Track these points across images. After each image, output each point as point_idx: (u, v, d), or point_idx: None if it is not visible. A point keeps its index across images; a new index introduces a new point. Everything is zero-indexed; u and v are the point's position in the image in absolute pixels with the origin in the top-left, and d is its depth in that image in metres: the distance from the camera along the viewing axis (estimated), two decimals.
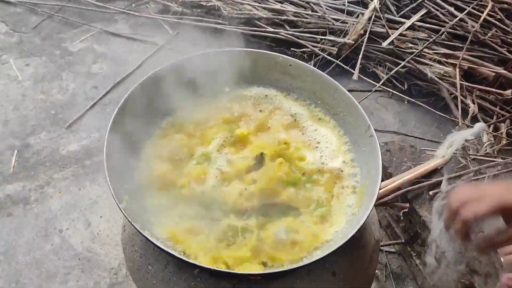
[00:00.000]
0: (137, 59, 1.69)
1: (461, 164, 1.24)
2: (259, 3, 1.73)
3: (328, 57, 1.60)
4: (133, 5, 1.86)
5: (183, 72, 0.84)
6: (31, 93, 1.58)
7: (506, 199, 0.68)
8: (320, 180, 0.78)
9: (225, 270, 0.66)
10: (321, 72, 0.85)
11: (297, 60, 0.87)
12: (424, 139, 1.48)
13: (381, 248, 1.26)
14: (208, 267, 0.65)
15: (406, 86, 1.58)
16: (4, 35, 1.75)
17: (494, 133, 1.40)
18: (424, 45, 1.51)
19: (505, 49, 1.49)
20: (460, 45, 1.51)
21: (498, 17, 1.52)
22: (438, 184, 1.14)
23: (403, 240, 1.22)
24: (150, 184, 0.76)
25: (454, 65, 1.47)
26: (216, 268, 0.65)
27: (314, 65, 1.60)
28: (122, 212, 0.65)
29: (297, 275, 0.74)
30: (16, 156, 1.42)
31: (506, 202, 0.68)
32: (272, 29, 1.67)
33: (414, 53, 1.51)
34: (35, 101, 1.56)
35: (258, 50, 0.88)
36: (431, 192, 1.13)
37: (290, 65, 0.87)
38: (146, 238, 0.63)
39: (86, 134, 1.48)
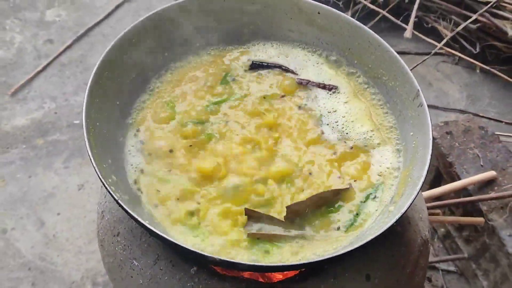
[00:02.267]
0: (107, 4, 1.82)
1: None
2: None
3: (371, 6, 1.72)
4: None
5: (176, 22, 0.95)
6: None
7: None
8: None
9: (248, 263, 0.78)
10: (360, 24, 0.93)
11: (328, 7, 0.96)
12: (501, 121, 1.58)
13: (437, 265, 1.38)
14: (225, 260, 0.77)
15: (478, 49, 1.68)
16: None
17: None
18: None
19: None
20: None
21: None
22: None
23: (466, 255, 1.33)
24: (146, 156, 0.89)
25: None
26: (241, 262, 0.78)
27: (352, 16, 1.71)
28: (110, 193, 0.76)
29: (321, 278, 0.86)
30: None
31: None
32: None
33: (491, 3, 1.61)
34: None
35: None
36: None
37: (318, 12, 0.96)
38: (145, 226, 0.75)
39: (38, 104, 1.61)
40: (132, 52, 0.93)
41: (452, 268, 1.39)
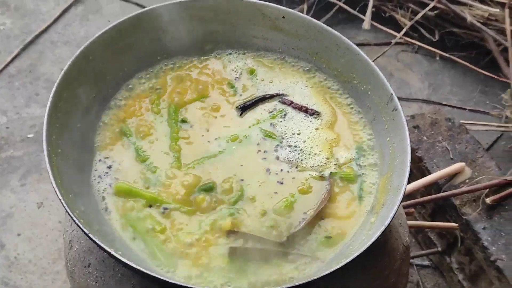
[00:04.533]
0: (53, 9, 1.78)
1: None
2: None
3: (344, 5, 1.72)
4: None
5: (127, 34, 0.94)
6: None
7: None
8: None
9: None
10: (326, 26, 0.93)
11: (293, 11, 0.95)
12: (465, 109, 1.60)
13: (411, 261, 1.39)
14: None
15: (437, 36, 1.69)
16: None
17: None
18: None
19: None
20: None
21: None
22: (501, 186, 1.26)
23: (439, 249, 1.35)
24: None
25: (502, 5, 1.59)
26: None
27: (309, 10, 1.71)
28: (80, 227, 0.74)
29: None
30: None
31: None
32: None
33: None
34: None
35: None
36: (488, 200, 1.24)
37: (283, 17, 0.95)
38: (113, 255, 0.73)
39: None
40: (88, 69, 0.91)
41: (426, 262, 1.41)
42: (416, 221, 1.39)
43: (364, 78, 0.92)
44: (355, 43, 0.93)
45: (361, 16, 1.70)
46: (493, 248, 1.21)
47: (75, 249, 0.89)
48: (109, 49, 0.92)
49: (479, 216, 1.25)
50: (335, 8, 1.74)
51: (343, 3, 1.75)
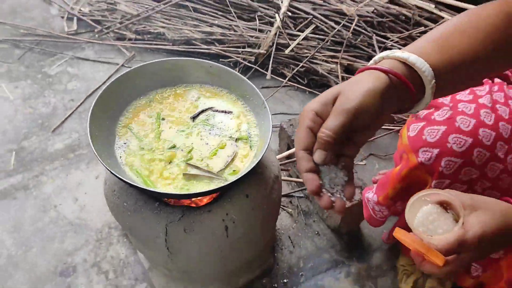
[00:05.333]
0: (103, 77, 1.84)
1: None
2: (194, 27, 1.92)
3: (248, 64, 1.80)
4: (96, 35, 2.00)
5: (130, 80, 0.99)
6: (21, 108, 1.71)
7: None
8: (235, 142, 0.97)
9: (166, 192, 0.84)
10: (232, 70, 1.01)
11: (215, 63, 1.01)
12: None
13: (293, 194, 1.47)
14: (152, 189, 0.82)
15: (306, 81, 1.78)
16: None
17: None
18: (315, 50, 1.74)
19: (370, 49, 1.75)
20: (340, 49, 1.74)
21: (363, 26, 1.78)
22: None
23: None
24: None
25: (337, 63, 1.72)
26: (162, 191, 0.84)
27: (238, 71, 1.80)
28: (104, 165, 0.82)
29: (223, 200, 0.92)
30: (15, 156, 1.55)
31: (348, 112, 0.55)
32: (205, 46, 1.87)
33: (308, 56, 1.73)
34: (25, 115, 1.69)
35: (188, 58, 1.02)
36: None
37: (210, 66, 1.02)
38: (120, 178, 0.81)
39: (68, 135, 1.61)
40: (110, 98, 0.96)
41: (302, 195, 1.46)
42: (289, 177, 1.46)
43: (251, 94, 1.00)
44: (263, 86, 1.00)
45: (266, 72, 1.76)
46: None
47: (107, 184, 0.96)
48: (118, 87, 0.98)
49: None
50: (252, 70, 1.80)
51: (257, 66, 1.81)
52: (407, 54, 0.58)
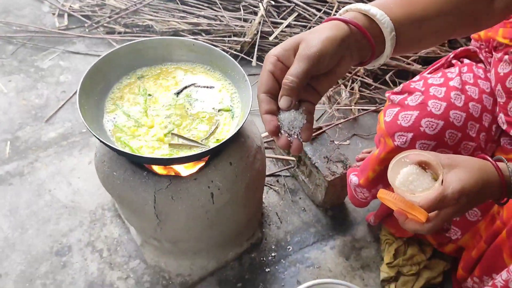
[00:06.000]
0: None
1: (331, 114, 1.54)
2: (181, 19, 1.97)
3: (234, 52, 1.85)
4: (86, 30, 2.04)
5: (117, 59, 1.04)
6: (15, 101, 1.74)
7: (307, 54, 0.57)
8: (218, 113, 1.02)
9: (153, 157, 0.87)
10: (213, 47, 1.05)
11: (198, 41, 1.06)
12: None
13: (279, 173, 1.52)
14: (139, 155, 0.86)
15: None
16: None
17: (351, 91, 1.71)
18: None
19: None
20: None
21: None
22: (316, 129, 1.39)
23: (293, 165, 1.47)
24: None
25: None
26: (149, 156, 0.87)
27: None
28: (93, 134, 0.85)
29: (209, 167, 0.96)
30: (10, 145, 1.58)
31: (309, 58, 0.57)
32: (192, 37, 1.91)
33: None
34: (19, 106, 1.72)
35: (173, 37, 1.06)
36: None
37: (193, 44, 1.06)
38: (109, 146, 0.85)
39: (61, 125, 1.65)
40: (98, 75, 1.01)
41: (288, 174, 1.51)
42: (274, 155, 1.50)
43: (233, 69, 1.03)
44: (249, 74, 1.05)
45: (252, 60, 1.80)
46: (313, 157, 1.33)
47: (97, 155, 0.99)
48: (106, 64, 1.02)
49: (307, 144, 1.36)
50: (239, 58, 1.84)
51: (243, 54, 1.85)
52: (369, 6, 0.60)
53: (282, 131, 0.58)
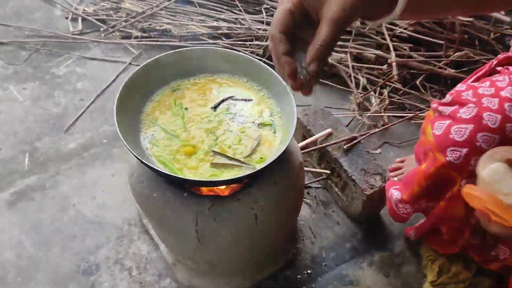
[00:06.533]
0: (111, 75, 1.82)
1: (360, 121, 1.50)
2: (200, 22, 1.92)
3: (256, 57, 1.79)
4: (102, 34, 1.99)
5: (155, 69, 0.99)
6: (31, 109, 1.70)
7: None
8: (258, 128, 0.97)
9: (198, 180, 0.84)
10: (250, 57, 1.01)
11: (233, 51, 1.02)
12: (332, 107, 1.69)
13: (310, 185, 1.47)
14: (183, 177, 0.82)
15: None
16: (1, 69, 1.85)
17: (380, 97, 1.66)
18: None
19: (379, 37, 1.75)
20: (349, 38, 1.75)
21: None
22: (351, 139, 1.34)
23: (324, 176, 1.42)
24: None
25: (346, 52, 1.72)
26: (190, 178, 0.84)
27: None
28: (135, 155, 0.81)
29: (253, 188, 0.91)
30: (28, 157, 1.54)
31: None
32: (212, 41, 1.86)
33: None
34: (36, 115, 1.68)
35: (207, 47, 1.03)
36: (345, 146, 1.32)
37: (229, 55, 1.02)
38: (151, 167, 0.81)
39: (81, 135, 1.60)
40: (133, 89, 0.96)
41: (319, 185, 1.46)
42: (308, 168, 1.46)
43: (272, 81, 0.99)
44: None
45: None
46: (350, 170, 1.29)
47: (134, 176, 0.95)
48: (139, 79, 0.97)
49: (341, 155, 1.32)
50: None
51: (265, 59, 1.79)
52: None
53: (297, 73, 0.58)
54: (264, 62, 1.73)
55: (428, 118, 1.06)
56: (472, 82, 1.11)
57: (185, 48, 1.02)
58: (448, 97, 1.02)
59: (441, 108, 1.02)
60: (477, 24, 1.72)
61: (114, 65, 1.88)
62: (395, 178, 1.39)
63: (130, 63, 1.88)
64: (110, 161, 1.51)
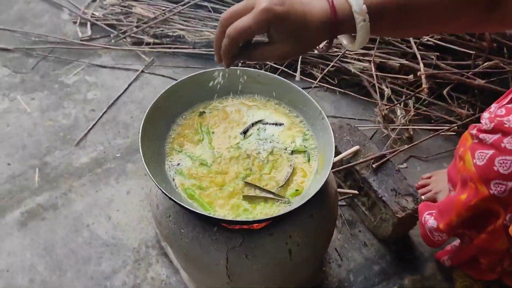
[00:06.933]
0: (123, 84, 1.76)
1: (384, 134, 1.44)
2: (215, 28, 1.85)
3: (275, 65, 1.74)
4: (112, 41, 1.92)
5: (176, 93, 0.94)
6: (40, 121, 1.64)
7: (273, 8, 0.61)
8: (291, 155, 0.92)
9: (228, 219, 0.79)
10: (281, 78, 0.96)
11: (263, 71, 0.97)
12: (355, 119, 1.64)
13: None
14: (215, 217, 0.77)
15: (336, 81, 1.72)
16: (8, 77, 1.79)
17: (405, 108, 1.60)
18: (346, 49, 1.68)
19: (404, 45, 1.68)
20: (372, 46, 1.68)
21: None
22: (380, 157, 1.29)
23: (350, 195, 1.36)
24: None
25: (369, 61, 1.65)
26: (219, 217, 0.78)
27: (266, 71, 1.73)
28: (161, 190, 0.76)
29: (286, 221, 0.86)
30: (38, 173, 1.48)
31: (273, 11, 0.61)
32: None
33: (339, 55, 1.68)
34: (45, 127, 1.62)
35: (234, 67, 0.96)
36: (373, 165, 1.27)
37: (258, 75, 0.97)
38: (182, 205, 0.76)
39: (93, 148, 1.54)
40: (157, 113, 0.90)
41: (344, 203, 1.41)
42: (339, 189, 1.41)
43: (304, 103, 0.94)
44: None
45: (294, 73, 1.71)
46: (380, 190, 1.23)
47: (160, 208, 0.89)
48: (164, 102, 0.92)
49: (370, 174, 1.27)
50: (279, 71, 1.75)
51: (284, 67, 1.76)
52: None
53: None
54: (283, 71, 1.68)
55: (465, 143, 0.99)
56: (508, 103, 1.04)
57: (211, 69, 0.96)
58: (488, 123, 0.95)
59: (482, 136, 0.94)
60: (507, 32, 1.64)
61: (125, 73, 1.82)
62: (423, 197, 1.34)
63: (142, 71, 1.81)
64: (125, 177, 1.45)
